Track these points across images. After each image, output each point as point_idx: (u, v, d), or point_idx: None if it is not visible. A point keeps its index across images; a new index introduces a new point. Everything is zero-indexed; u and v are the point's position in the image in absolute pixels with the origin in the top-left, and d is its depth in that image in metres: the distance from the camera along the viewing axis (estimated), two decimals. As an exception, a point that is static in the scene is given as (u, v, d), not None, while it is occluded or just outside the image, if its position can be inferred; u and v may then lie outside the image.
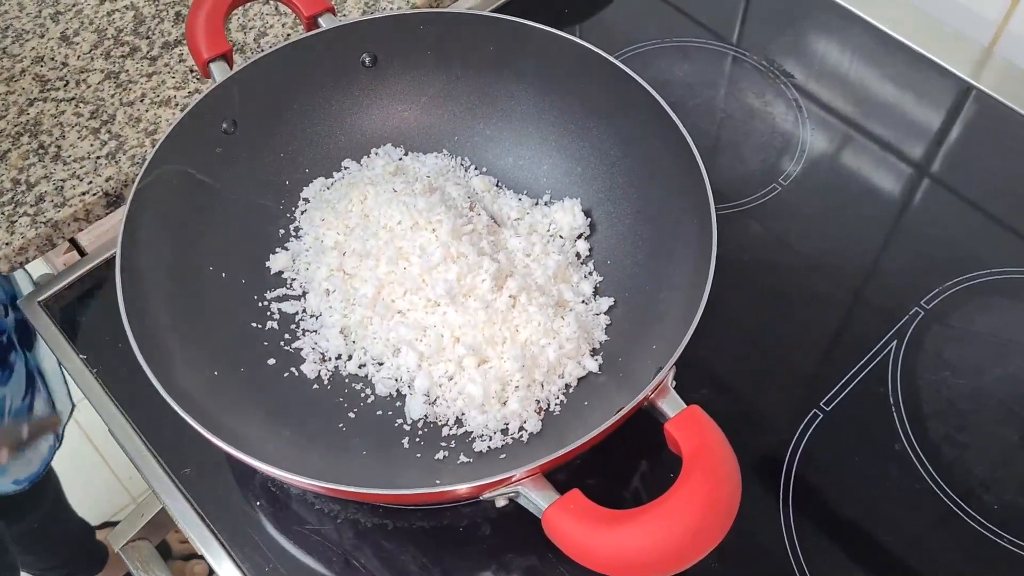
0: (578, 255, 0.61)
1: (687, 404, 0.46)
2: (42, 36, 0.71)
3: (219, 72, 0.59)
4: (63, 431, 0.86)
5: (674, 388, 0.47)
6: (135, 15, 0.72)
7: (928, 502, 0.53)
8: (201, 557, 1.06)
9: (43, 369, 0.79)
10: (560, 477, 0.46)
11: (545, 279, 0.58)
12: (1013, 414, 0.55)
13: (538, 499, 0.44)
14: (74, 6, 0.73)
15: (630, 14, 0.79)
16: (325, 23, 0.62)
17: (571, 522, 0.43)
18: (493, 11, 0.76)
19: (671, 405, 0.46)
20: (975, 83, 0.71)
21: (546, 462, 0.44)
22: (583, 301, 0.59)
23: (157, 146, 0.55)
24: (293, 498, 0.54)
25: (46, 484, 1.07)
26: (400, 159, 0.65)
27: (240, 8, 0.69)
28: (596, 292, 0.60)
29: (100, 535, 1.33)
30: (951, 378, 0.57)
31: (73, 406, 0.86)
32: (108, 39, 0.70)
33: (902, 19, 0.75)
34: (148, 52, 0.69)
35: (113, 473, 1.48)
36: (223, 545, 0.53)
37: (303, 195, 0.63)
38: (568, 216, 0.62)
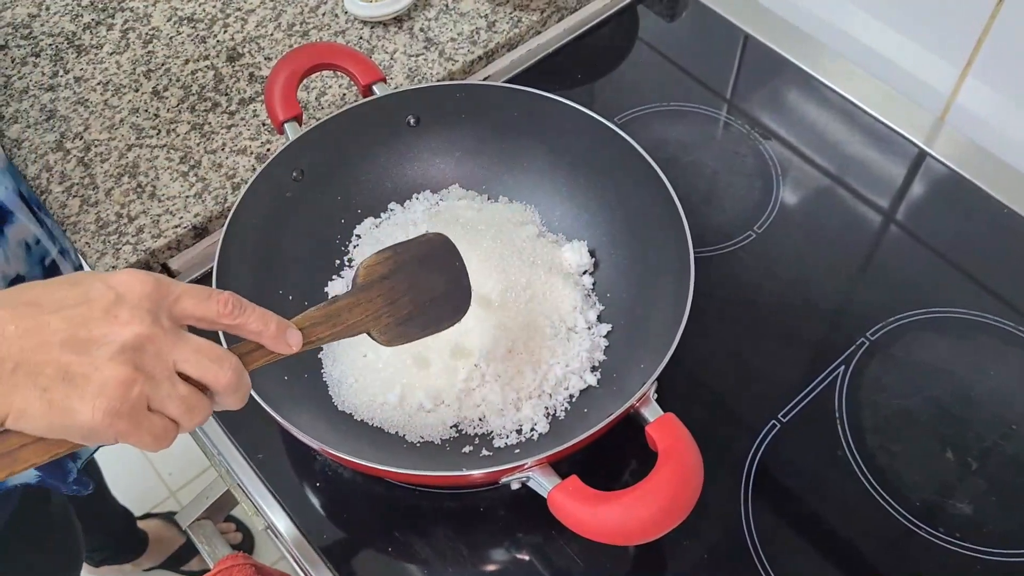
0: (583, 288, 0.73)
1: (664, 412, 0.58)
2: (137, 90, 0.84)
3: (291, 131, 0.72)
4: None
5: (655, 399, 0.59)
6: (215, 74, 0.85)
7: (863, 499, 0.64)
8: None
9: None
10: (563, 467, 0.57)
11: (567, 310, 0.70)
12: (936, 430, 0.67)
13: (544, 482, 0.56)
14: (163, 65, 0.86)
15: (635, 77, 0.91)
16: (378, 90, 0.74)
17: (569, 500, 0.54)
18: (517, 79, 0.89)
19: (652, 412, 0.58)
20: (928, 150, 0.83)
21: (552, 453, 0.56)
22: (588, 327, 0.71)
23: (244, 190, 0.68)
24: (344, 479, 0.67)
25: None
26: (436, 204, 0.77)
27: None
28: (599, 319, 0.72)
29: (141, 524, 1.45)
30: (887, 399, 0.68)
31: None
32: (193, 95, 0.83)
33: (867, 90, 0.86)
34: (227, 107, 0.82)
35: (154, 470, 1.60)
36: (288, 515, 0.65)
37: (356, 232, 0.76)
38: (576, 255, 0.73)
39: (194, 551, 1.46)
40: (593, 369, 0.68)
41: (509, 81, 0.88)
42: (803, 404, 0.68)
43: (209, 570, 0.70)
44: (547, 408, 0.66)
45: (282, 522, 0.65)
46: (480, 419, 0.66)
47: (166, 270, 0.77)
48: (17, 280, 0.74)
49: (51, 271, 0.80)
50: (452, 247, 0.59)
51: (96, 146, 0.80)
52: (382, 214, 0.76)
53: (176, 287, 0.44)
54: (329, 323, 0.52)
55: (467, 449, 0.65)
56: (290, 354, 0.49)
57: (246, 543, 1.45)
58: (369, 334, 0.55)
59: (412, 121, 0.76)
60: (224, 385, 0.44)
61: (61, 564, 1.02)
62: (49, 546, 0.97)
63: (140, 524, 1.44)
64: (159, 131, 0.81)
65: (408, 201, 0.77)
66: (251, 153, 0.79)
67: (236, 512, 1.45)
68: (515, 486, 0.58)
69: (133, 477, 1.55)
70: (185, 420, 0.44)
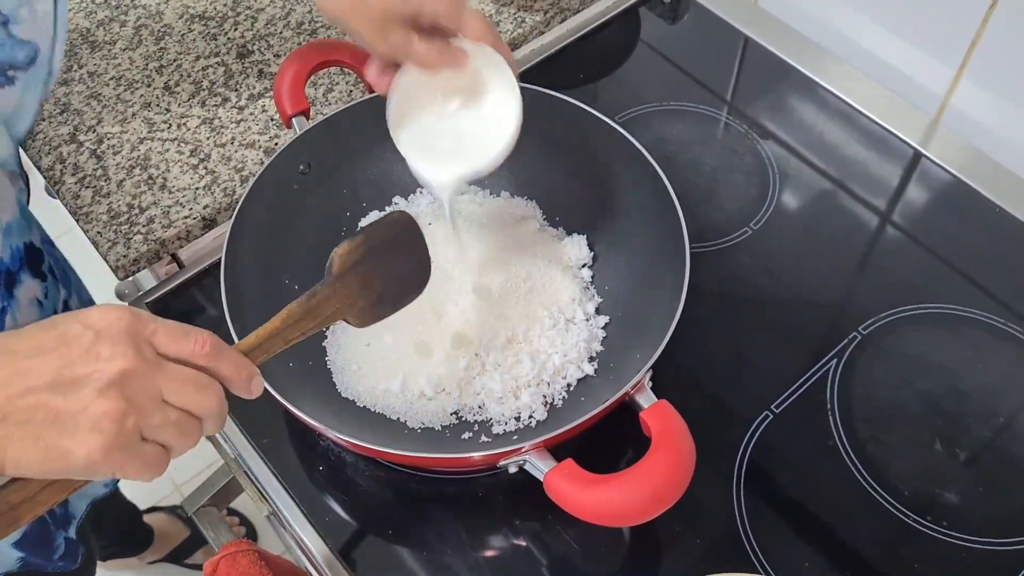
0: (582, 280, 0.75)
1: (658, 399, 0.60)
2: (149, 86, 0.86)
3: (299, 125, 0.74)
4: None
5: (650, 388, 0.61)
6: (225, 71, 0.87)
7: (852, 488, 0.65)
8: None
9: None
10: (560, 453, 0.58)
11: (565, 302, 0.71)
12: (925, 422, 0.68)
13: (541, 465, 0.57)
14: (175, 61, 0.88)
15: (637, 78, 0.93)
16: (384, 87, 0.76)
17: (565, 482, 0.56)
18: (520, 77, 0.90)
19: (646, 399, 0.60)
20: (923, 150, 0.84)
21: (549, 437, 0.58)
22: (586, 318, 0.72)
23: (252, 182, 0.69)
24: (347, 464, 0.68)
25: None
26: (440, 197, 0.79)
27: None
28: (597, 311, 0.73)
29: (146, 518, 1.47)
30: (878, 391, 0.70)
31: None
32: (203, 90, 0.85)
33: (863, 92, 0.88)
34: (236, 102, 0.84)
35: (159, 464, 1.61)
36: (292, 498, 0.67)
37: (360, 225, 0.78)
38: (575, 249, 0.75)
39: (197, 545, 1.47)
40: (591, 359, 0.70)
41: (512, 80, 0.89)
42: (795, 395, 0.70)
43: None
44: (545, 396, 0.68)
45: (286, 506, 0.67)
46: (480, 407, 0.68)
47: (175, 260, 0.79)
48: None
49: None
50: (415, 225, 0.59)
51: (109, 139, 0.82)
52: (386, 207, 0.78)
53: (152, 321, 0.44)
54: (310, 317, 0.53)
55: (467, 435, 0.66)
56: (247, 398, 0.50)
57: (249, 537, 1.46)
58: (345, 320, 0.55)
59: (417, 117, 0.77)
60: (208, 411, 0.44)
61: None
62: None
63: (145, 518, 1.45)
64: (170, 125, 0.83)
65: (412, 195, 0.79)
66: (259, 147, 0.81)
67: (240, 506, 1.47)
68: (512, 469, 0.59)
69: (138, 471, 1.57)
70: (179, 444, 0.44)
